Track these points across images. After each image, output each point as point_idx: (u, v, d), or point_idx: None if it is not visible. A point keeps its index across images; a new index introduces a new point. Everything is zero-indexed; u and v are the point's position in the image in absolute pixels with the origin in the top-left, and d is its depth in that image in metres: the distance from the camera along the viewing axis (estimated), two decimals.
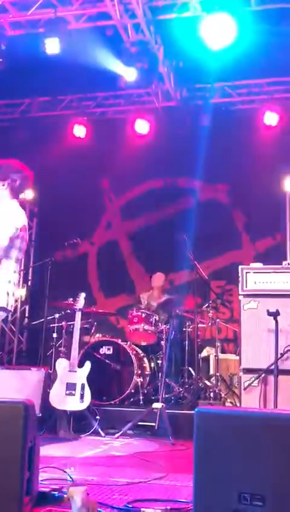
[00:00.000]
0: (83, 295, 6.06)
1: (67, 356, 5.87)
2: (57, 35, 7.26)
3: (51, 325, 7.02)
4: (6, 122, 9.89)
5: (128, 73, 7.84)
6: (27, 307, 9.74)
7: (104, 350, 6.68)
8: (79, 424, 5.72)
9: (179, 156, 9.18)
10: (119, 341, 6.76)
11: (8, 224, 3.93)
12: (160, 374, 6.36)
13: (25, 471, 2.37)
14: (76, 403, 5.54)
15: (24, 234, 4.11)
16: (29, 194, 9.83)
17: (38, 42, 7.49)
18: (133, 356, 6.53)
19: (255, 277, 5.28)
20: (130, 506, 2.69)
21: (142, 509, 2.61)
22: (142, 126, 9.29)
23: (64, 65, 7.63)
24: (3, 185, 4.11)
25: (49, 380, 5.98)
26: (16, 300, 9.56)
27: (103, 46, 7.59)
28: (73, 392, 5.56)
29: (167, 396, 6.30)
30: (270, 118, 8.77)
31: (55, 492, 2.76)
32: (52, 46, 7.26)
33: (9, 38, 7.37)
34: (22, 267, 9.61)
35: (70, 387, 5.58)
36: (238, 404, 5.98)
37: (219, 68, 8.29)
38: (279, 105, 8.78)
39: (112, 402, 6.38)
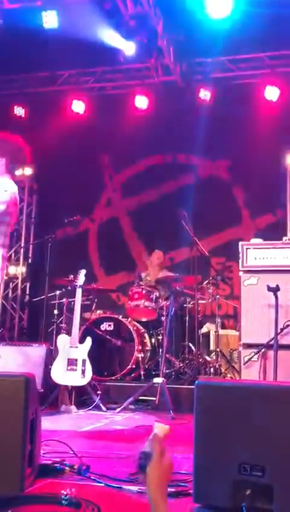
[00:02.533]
0: (83, 272, 6.07)
1: (69, 332, 5.91)
2: (55, 8, 7.16)
3: (52, 302, 7.05)
4: (4, 97, 9.78)
5: (127, 47, 7.75)
6: (28, 284, 9.76)
7: (105, 326, 6.72)
8: (80, 399, 5.78)
9: (178, 131, 9.11)
10: (120, 317, 6.80)
11: None
12: (160, 350, 6.40)
13: (26, 443, 2.40)
14: (77, 378, 5.58)
15: (13, 210, 4.17)
16: (28, 171, 9.81)
17: (36, 16, 7.39)
18: (133, 332, 6.56)
19: (256, 253, 5.27)
20: (132, 477, 2.72)
21: None
22: (141, 101, 9.20)
23: (62, 39, 7.53)
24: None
25: (50, 356, 6.02)
26: (16, 277, 9.61)
27: (102, 20, 7.48)
28: (74, 367, 5.60)
29: (167, 371, 6.35)
30: (271, 93, 8.67)
31: (57, 465, 2.79)
32: (50, 19, 7.16)
33: (6, 11, 7.25)
34: (22, 244, 9.63)
35: (72, 362, 5.62)
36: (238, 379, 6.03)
37: (220, 42, 8.18)
38: (280, 79, 8.67)
39: (113, 377, 6.43)
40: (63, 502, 2.14)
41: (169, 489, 2.50)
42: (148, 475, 1.79)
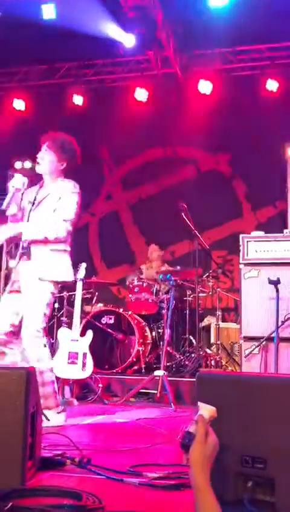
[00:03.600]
0: (83, 265, 6.05)
1: (69, 326, 5.90)
2: (54, 1, 7.11)
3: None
4: (4, 90, 9.74)
5: (127, 39, 7.71)
6: None
7: (105, 319, 6.72)
8: (81, 392, 5.79)
9: (179, 124, 9.08)
10: (121, 310, 6.79)
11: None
12: (161, 343, 6.40)
13: (27, 436, 2.39)
14: (78, 372, 5.57)
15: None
16: (27, 164, 9.77)
17: (34, 8, 7.35)
18: (134, 325, 6.56)
19: (256, 246, 5.25)
20: (133, 470, 2.72)
21: (144, 473, 2.64)
22: (141, 94, 9.16)
23: (61, 32, 7.49)
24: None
25: (51, 349, 6.01)
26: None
27: (101, 12, 7.44)
28: (75, 360, 5.59)
29: (168, 364, 6.35)
30: (272, 85, 8.65)
31: (58, 458, 2.79)
32: (48, 11, 7.12)
33: (5, 3, 7.21)
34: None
35: (73, 356, 5.61)
36: None
37: (220, 34, 8.14)
38: (280, 71, 8.63)
39: (114, 370, 6.44)
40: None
41: (171, 482, 2.50)
42: (191, 456, 1.76)
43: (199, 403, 1.99)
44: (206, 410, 1.94)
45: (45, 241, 4.11)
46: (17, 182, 4.11)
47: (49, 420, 3.87)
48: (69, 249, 4.27)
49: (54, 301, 4.57)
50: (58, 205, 4.22)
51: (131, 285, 7.00)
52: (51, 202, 4.27)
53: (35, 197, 4.35)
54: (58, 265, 4.18)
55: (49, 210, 4.22)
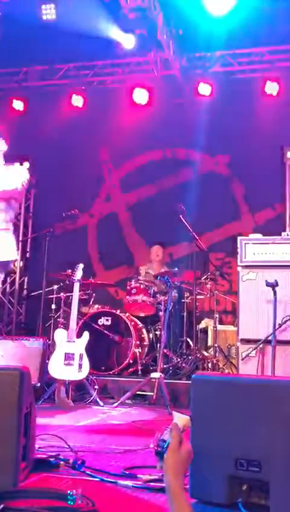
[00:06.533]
0: (81, 266, 6.04)
1: (66, 327, 5.88)
2: (54, 1, 7.10)
3: (50, 296, 7.03)
4: (3, 91, 9.73)
5: (127, 41, 7.71)
6: (25, 278, 9.73)
7: (102, 321, 6.70)
8: (77, 393, 5.77)
9: (178, 126, 9.07)
10: (118, 312, 6.77)
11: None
12: (158, 345, 6.38)
13: (20, 437, 2.38)
14: (74, 373, 5.56)
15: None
16: (26, 164, 9.74)
17: (35, 8, 7.34)
18: (131, 327, 6.54)
19: (254, 248, 5.24)
20: (127, 472, 2.70)
21: (138, 475, 2.63)
22: (141, 95, 9.14)
23: (61, 33, 7.48)
24: None
25: (48, 351, 6.00)
26: (14, 272, 9.59)
27: (101, 13, 7.43)
28: (71, 362, 5.57)
29: (165, 366, 6.33)
30: (271, 88, 8.63)
31: (52, 459, 2.77)
32: (48, 12, 7.11)
33: (5, 4, 7.19)
34: (20, 238, 9.59)
35: (69, 357, 5.59)
36: None
37: (220, 36, 8.14)
38: (280, 74, 8.63)
39: (111, 372, 6.42)
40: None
41: (165, 484, 2.48)
42: (165, 463, 1.81)
43: (174, 412, 2.05)
44: (180, 419, 1.98)
45: None
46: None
47: None
48: None
49: None
50: None
51: (129, 287, 6.98)
52: None
53: None
54: None
55: None
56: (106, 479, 2.59)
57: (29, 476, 2.55)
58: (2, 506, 2.03)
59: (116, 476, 2.64)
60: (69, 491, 2.13)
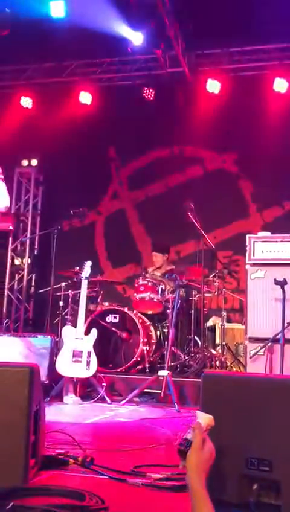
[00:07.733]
0: (89, 263, 6.04)
1: (74, 324, 5.88)
2: None
3: (58, 294, 7.03)
4: (11, 88, 9.73)
5: (135, 38, 7.68)
6: (33, 276, 9.75)
7: (110, 318, 6.69)
8: (85, 391, 5.77)
9: (186, 123, 9.04)
10: (126, 309, 6.77)
11: None
12: (166, 343, 6.37)
13: (30, 434, 2.38)
14: (82, 370, 5.56)
15: None
16: (34, 162, 9.77)
17: (43, 5, 7.33)
18: (139, 324, 6.53)
19: (263, 246, 5.22)
20: (136, 471, 2.69)
21: (148, 474, 2.62)
22: (149, 93, 9.11)
23: (69, 30, 7.47)
24: None
25: (55, 348, 6.00)
26: (22, 269, 9.61)
27: (109, 9, 7.40)
28: (79, 359, 5.58)
29: (172, 364, 6.32)
30: (280, 85, 8.58)
31: (61, 457, 2.76)
32: (57, 8, 7.10)
33: (13, 0, 7.18)
34: (28, 235, 9.60)
35: (77, 354, 5.60)
36: None
37: (228, 33, 8.09)
38: (288, 71, 8.57)
39: (118, 369, 6.41)
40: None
41: (175, 483, 2.48)
42: (188, 462, 1.83)
43: (197, 412, 2.05)
44: (203, 418, 1.98)
45: None
46: None
47: None
48: None
49: None
50: None
51: (137, 285, 6.97)
52: None
53: None
54: None
55: None
56: (115, 477, 2.58)
57: (39, 473, 2.55)
58: (11, 504, 2.03)
59: (126, 474, 2.64)
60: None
